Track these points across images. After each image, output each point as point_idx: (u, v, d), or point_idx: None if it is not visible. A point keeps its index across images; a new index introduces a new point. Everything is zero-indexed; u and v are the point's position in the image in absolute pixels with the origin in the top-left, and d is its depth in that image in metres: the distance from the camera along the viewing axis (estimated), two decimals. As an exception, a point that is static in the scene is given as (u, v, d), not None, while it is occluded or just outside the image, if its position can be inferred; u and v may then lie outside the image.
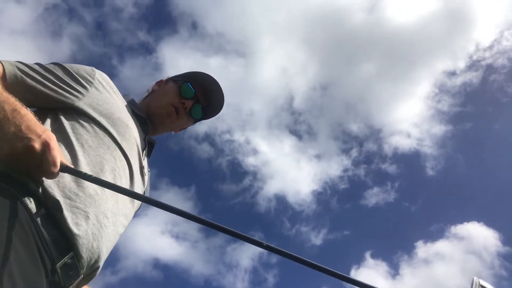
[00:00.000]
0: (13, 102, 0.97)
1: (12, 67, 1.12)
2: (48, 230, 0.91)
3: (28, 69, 1.16)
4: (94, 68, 1.32)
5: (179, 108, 1.55)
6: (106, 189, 1.05)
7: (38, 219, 0.90)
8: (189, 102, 1.57)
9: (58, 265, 0.91)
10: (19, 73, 1.13)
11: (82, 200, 0.99)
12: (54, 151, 0.92)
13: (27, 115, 0.95)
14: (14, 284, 0.79)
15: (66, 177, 1.00)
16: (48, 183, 0.95)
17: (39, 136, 0.91)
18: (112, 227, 1.08)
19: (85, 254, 0.98)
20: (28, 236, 0.86)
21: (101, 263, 1.08)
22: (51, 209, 0.93)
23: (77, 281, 0.99)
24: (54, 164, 0.91)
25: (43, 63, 1.21)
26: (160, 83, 1.71)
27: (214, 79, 1.63)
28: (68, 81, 1.21)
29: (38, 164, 0.90)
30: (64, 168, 0.94)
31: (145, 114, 1.47)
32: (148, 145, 1.49)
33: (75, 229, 0.95)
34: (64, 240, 0.94)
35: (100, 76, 1.31)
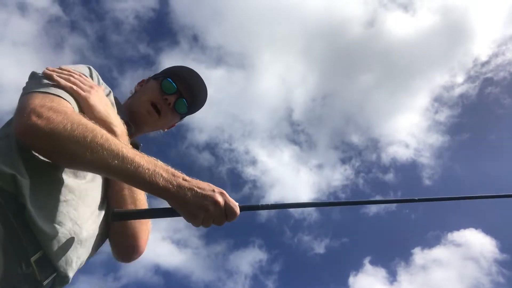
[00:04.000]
0: (164, 165, 1.03)
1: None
2: (20, 226, 0.90)
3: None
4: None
5: (161, 105, 1.52)
6: (78, 194, 1.06)
7: (10, 214, 0.89)
8: (172, 98, 1.54)
9: (33, 258, 0.92)
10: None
11: (51, 206, 0.99)
12: (230, 198, 1.05)
13: (182, 175, 1.03)
14: None
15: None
16: (22, 183, 0.93)
17: (214, 190, 1.03)
18: (85, 233, 1.07)
19: (54, 259, 0.98)
20: (0, 230, 0.86)
21: (70, 271, 1.05)
22: (24, 209, 0.92)
23: (52, 276, 0.98)
24: (236, 207, 1.05)
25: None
26: (141, 83, 1.70)
27: (194, 71, 1.61)
28: None
29: (223, 213, 1.03)
30: (241, 208, 1.07)
31: (127, 116, 1.44)
32: (133, 148, 1.40)
33: (42, 235, 0.94)
34: (35, 238, 0.93)
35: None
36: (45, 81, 1.12)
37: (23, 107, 1.00)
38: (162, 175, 0.99)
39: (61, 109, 1.00)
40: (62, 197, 1.02)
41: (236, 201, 1.07)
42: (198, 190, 1.01)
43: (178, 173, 1.03)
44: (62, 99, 1.07)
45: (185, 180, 1.02)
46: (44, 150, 0.98)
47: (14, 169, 0.93)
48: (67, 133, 0.94)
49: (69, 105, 1.07)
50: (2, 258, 0.84)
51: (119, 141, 1.02)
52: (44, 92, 1.06)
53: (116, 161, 0.96)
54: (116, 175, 1.00)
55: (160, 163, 1.02)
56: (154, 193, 1.02)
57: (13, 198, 0.91)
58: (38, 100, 1.02)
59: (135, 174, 0.96)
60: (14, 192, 0.91)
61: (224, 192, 1.05)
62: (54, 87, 1.10)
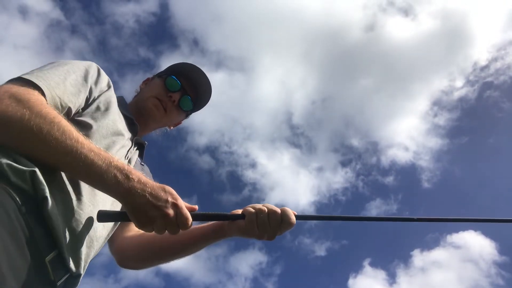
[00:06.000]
0: (121, 165, 0.98)
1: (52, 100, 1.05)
2: (35, 224, 0.88)
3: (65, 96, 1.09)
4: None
5: (166, 102, 1.52)
6: (86, 193, 1.04)
7: (26, 212, 0.86)
8: (177, 95, 1.54)
9: (47, 258, 0.90)
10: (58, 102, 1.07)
11: (64, 206, 0.97)
12: (183, 209, 1.00)
13: (138, 177, 0.98)
14: (2, 275, 0.76)
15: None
16: (37, 181, 0.90)
17: (167, 201, 0.98)
18: (93, 234, 1.07)
19: (67, 259, 0.96)
20: (17, 229, 0.83)
21: (82, 271, 1.05)
22: (40, 206, 0.90)
23: (65, 277, 0.97)
24: (188, 220, 1.01)
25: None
26: (146, 81, 1.70)
27: (198, 68, 1.60)
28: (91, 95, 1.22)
29: (174, 225, 0.99)
30: (193, 217, 1.04)
31: (132, 115, 1.44)
32: (139, 147, 1.47)
33: (57, 235, 0.92)
34: (50, 236, 0.91)
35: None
36: (34, 70, 1.09)
37: None
38: (114, 175, 0.95)
39: (25, 97, 0.95)
40: (73, 197, 1.00)
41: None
42: (150, 198, 0.96)
43: (134, 175, 0.97)
44: (32, 88, 1.00)
45: (140, 183, 0.97)
46: (1, 139, 0.92)
47: (30, 166, 0.91)
48: (23, 123, 0.90)
49: (37, 94, 1.00)
50: (17, 258, 0.82)
51: (78, 134, 0.96)
52: (19, 78, 1.02)
53: (68, 157, 0.92)
54: (67, 171, 0.98)
55: (116, 162, 0.97)
56: (106, 193, 0.99)
57: (28, 196, 0.88)
58: (5, 86, 0.98)
59: (86, 171, 0.94)
60: (30, 190, 0.89)
61: (178, 202, 1.00)
62: (37, 73, 1.06)
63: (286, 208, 1.14)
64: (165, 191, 1.00)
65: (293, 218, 1.13)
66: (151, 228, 1.00)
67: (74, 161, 0.93)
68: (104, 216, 1.06)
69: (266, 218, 1.12)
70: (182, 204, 1.02)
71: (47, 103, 1.01)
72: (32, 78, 1.02)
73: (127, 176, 0.96)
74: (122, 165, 0.98)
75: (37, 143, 0.92)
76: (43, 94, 1.02)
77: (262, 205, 1.15)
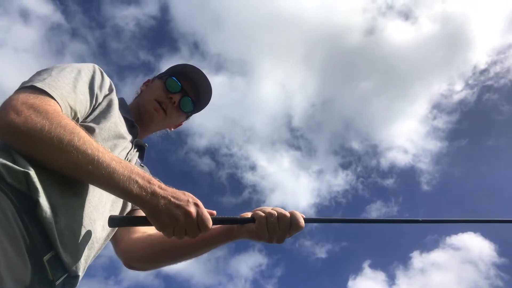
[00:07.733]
0: (141, 172, 1.01)
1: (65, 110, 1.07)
2: (32, 225, 0.89)
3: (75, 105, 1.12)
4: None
5: (166, 104, 1.53)
6: (85, 195, 1.05)
7: (23, 213, 0.88)
8: (177, 96, 1.55)
9: (45, 258, 0.91)
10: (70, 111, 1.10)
11: (62, 207, 0.97)
12: (204, 209, 1.04)
13: (158, 183, 1.02)
14: (0, 277, 0.77)
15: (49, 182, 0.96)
16: (34, 181, 0.91)
17: (189, 201, 1.01)
18: (93, 235, 1.07)
19: (65, 259, 0.96)
20: (14, 229, 0.85)
21: (80, 272, 1.05)
22: (36, 207, 0.90)
23: (63, 277, 0.98)
24: (209, 221, 1.03)
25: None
26: (147, 82, 1.72)
27: (198, 69, 1.61)
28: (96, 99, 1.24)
29: (195, 226, 1.01)
30: (214, 220, 1.06)
31: (133, 117, 1.45)
32: (139, 149, 1.48)
33: (54, 235, 0.93)
34: (47, 237, 0.92)
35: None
36: (43, 75, 1.10)
37: (6, 102, 0.99)
38: (137, 182, 0.98)
39: (43, 108, 0.97)
40: (72, 199, 1.01)
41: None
42: (172, 200, 0.99)
43: (154, 181, 1.01)
44: (48, 97, 1.03)
45: (161, 188, 1.00)
46: (20, 149, 0.95)
47: (25, 167, 0.92)
48: (44, 134, 0.92)
49: (53, 103, 1.03)
50: (15, 257, 0.83)
51: (97, 143, 0.99)
52: (32, 86, 1.04)
53: (90, 166, 0.94)
54: (90, 180, 1.00)
55: (136, 169, 1.01)
56: (128, 200, 1.02)
57: (25, 196, 0.90)
58: (22, 96, 0.99)
59: (109, 180, 0.96)
60: (26, 191, 0.90)
61: (199, 203, 1.04)
62: (49, 81, 1.08)
63: (295, 212, 1.17)
64: (185, 194, 1.03)
65: (302, 221, 1.16)
66: (171, 231, 1.01)
67: (97, 170, 0.95)
68: (115, 221, 1.07)
69: (276, 221, 1.14)
70: (202, 205, 1.05)
71: (63, 113, 1.03)
72: (45, 88, 1.05)
73: (149, 182, 1.00)
74: (142, 172, 1.01)
75: (58, 153, 0.93)
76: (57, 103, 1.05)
77: (272, 209, 1.17)
